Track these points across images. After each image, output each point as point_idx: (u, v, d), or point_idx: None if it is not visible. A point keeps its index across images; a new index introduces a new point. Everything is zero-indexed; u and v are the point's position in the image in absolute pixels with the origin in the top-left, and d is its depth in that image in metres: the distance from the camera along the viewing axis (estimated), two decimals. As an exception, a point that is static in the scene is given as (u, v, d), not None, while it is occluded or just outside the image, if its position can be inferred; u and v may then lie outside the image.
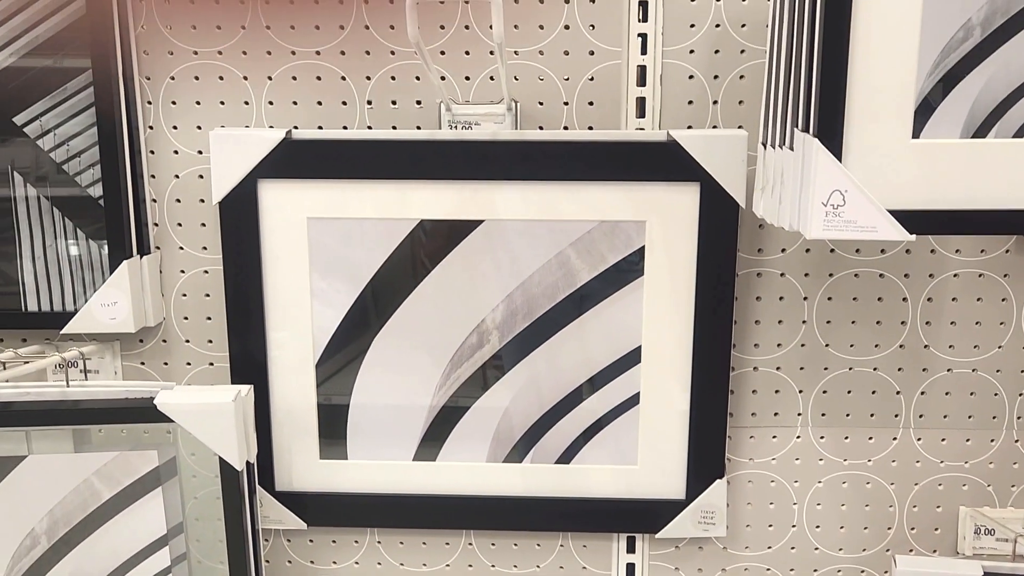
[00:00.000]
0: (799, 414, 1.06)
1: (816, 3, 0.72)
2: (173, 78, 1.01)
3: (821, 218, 0.74)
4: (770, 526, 1.10)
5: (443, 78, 0.99)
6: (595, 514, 1.07)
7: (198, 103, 1.01)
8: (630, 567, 1.11)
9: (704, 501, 1.05)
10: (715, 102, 0.99)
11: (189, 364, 1.08)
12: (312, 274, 1.01)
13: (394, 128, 1.01)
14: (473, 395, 1.05)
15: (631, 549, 1.11)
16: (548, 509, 1.07)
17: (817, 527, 1.10)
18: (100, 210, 1.00)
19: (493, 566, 1.12)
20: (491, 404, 1.05)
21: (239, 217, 1.00)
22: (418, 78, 1.00)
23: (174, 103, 1.01)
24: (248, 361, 1.04)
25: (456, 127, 0.99)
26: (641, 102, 0.99)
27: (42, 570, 0.99)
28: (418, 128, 1.01)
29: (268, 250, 1.01)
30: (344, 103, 1.01)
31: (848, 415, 1.06)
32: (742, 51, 0.97)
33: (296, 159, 0.98)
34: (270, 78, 1.00)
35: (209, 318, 1.06)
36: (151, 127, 1.02)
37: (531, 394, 1.04)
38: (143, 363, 1.08)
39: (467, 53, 0.99)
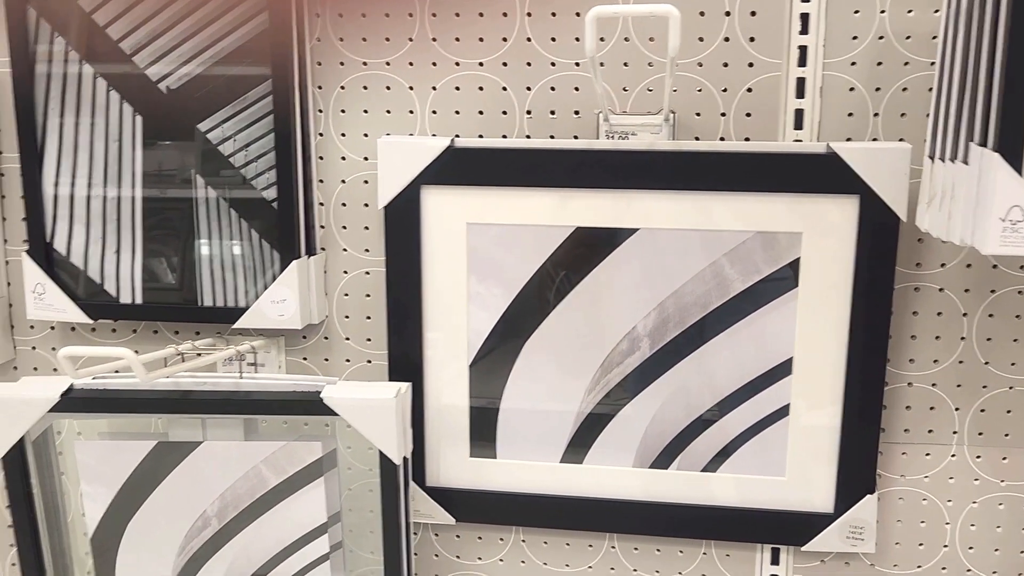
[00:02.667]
0: (954, 432, 1.04)
1: (999, 16, 0.71)
2: (343, 87, 1.06)
3: (998, 233, 0.72)
4: (920, 545, 1.08)
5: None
6: (740, 523, 1.08)
7: (365, 111, 1.06)
8: (773, 579, 1.12)
9: (853, 516, 1.04)
10: (876, 114, 0.98)
11: (348, 361, 1.13)
12: (470, 277, 1.05)
13: (552, 137, 1.03)
14: (622, 401, 1.06)
15: (775, 561, 1.10)
16: (692, 516, 1.08)
17: (970, 548, 1.07)
18: (273, 212, 1.05)
19: (635, 570, 1.13)
20: (639, 410, 1.06)
21: (403, 221, 1.04)
22: (577, 88, 1.02)
23: (343, 111, 1.06)
24: (405, 360, 1.08)
25: (613, 137, 1.01)
26: (799, 114, 0.99)
27: (212, 550, 1.05)
28: (575, 138, 1.03)
29: (428, 253, 1.05)
30: (504, 112, 1.04)
31: (1007, 435, 1.04)
32: (906, 63, 0.96)
33: (458, 166, 1.02)
34: (434, 88, 1.04)
35: (369, 317, 1.11)
36: (321, 134, 1.07)
37: (680, 401, 1.05)
38: (305, 358, 1.14)
39: (625, 64, 1.01)
